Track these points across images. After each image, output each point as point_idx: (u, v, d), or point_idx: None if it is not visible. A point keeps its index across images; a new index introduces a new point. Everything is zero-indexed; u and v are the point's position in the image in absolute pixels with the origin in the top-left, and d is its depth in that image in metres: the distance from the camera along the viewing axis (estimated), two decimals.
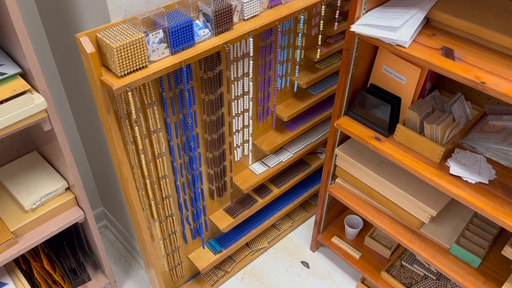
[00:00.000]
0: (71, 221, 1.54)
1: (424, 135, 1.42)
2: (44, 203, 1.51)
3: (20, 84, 1.18)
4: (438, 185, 1.35)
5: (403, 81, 1.47)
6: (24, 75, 1.23)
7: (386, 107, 1.48)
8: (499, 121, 1.50)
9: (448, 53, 1.21)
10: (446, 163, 1.40)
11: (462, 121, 1.48)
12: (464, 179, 1.35)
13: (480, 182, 1.34)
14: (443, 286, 1.80)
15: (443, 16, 1.29)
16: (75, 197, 1.55)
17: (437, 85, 1.64)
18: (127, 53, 1.10)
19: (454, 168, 1.37)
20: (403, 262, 1.89)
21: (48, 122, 1.29)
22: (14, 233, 1.44)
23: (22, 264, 1.69)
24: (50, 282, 1.70)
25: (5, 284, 1.55)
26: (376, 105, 1.50)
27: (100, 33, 1.11)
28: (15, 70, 1.21)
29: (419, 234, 1.62)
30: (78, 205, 1.58)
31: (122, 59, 1.10)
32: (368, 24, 1.29)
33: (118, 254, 2.14)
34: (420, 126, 1.43)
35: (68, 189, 1.56)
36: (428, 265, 1.86)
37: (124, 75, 1.13)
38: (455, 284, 1.78)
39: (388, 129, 1.50)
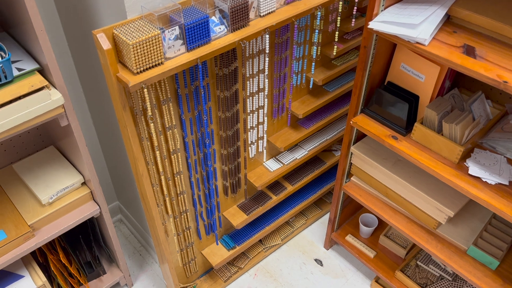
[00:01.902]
0: (87, 216, 1.56)
1: (442, 135, 1.39)
2: (61, 197, 1.52)
3: (37, 80, 1.19)
4: (457, 185, 1.32)
5: (422, 79, 1.45)
6: (42, 70, 1.24)
7: (404, 105, 1.45)
8: None
9: (469, 51, 1.18)
10: (465, 163, 1.37)
11: (482, 121, 1.44)
12: (484, 180, 1.32)
13: (500, 183, 1.31)
14: None
15: (464, 13, 1.26)
16: (91, 191, 1.57)
17: (457, 83, 1.61)
18: (143, 50, 1.10)
19: (473, 169, 1.34)
20: (418, 262, 1.87)
21: (65, 118, 1.30)
22: (32, 226, 1.46)
23: (39, 257, 1.72)
24: (66, 275, 1.72)
25: (22, 276, 1.58)
26: (394, 103, 1.47)
27: (116, 30, 1.11)
28: (33, 66, 1.23)
29: (436, 235, 1.60)
30: (93, 199, 1.59)
31: (138, 55, 1.10)
32: (386, 21, 1.27)
33: (132, 248, 2.15)
34: (438, 125, 1.40)
35: (84, 183, 1.58)
36: (444, 265, 1.83)
37: (140, 71, 1.13)
38: (472, 286, 1.75)
39: (405, 127, 1.47)
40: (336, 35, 1.62)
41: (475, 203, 1.61)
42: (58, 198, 1.51)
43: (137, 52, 1.09)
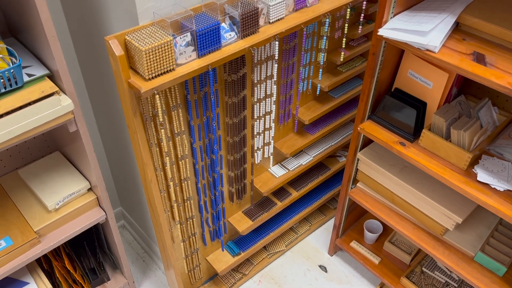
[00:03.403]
0: (93, 222, 1.55)
1: (450, 141, 1.39)
2: (67, 203, 1.51)
3: (48, 85, 1.19)
4: (466, 192, 1.32)
5: (429, 86, 1.45)
6: (51, 76, 1.24)
7: (412, 111, 1.45)
8: None
9: (479, 59, 1.19)
10: (473, 170, 1.37)
11: (489, 127, 1.45)
12: (492, 186, 1.32)
13: (509, 190, 1.31)
14: None
15: (473, 21, 1.27)
16: (97, 197, 1.56)
17: (463, 89, 1.62)
18: (156, 56, 1.10)
19: (482, 175, 1.35)
20: (423, 268, 1.87)
21: (74, 124, 1.29)
22: (38, 232, 1.45)
23: (44, 263, 1.70)
24: (71, 282, 1.71)
25: (27, 283, 1.56)
26: (401, 110, 1.48)
27: (128, 36, 1.11)
28: (43, 71, 1.22)
29: (443, 241, 1.60)
30: (99, 205, 1.58)
31: (150, 62, 1.10)
32: (396, 28, 1.27)
33: (136, 254, 2.14)
34: (446, 132, 1.41)
35: (90, 189, 1.57)
36: (450, 272, 1.83)
37: (152, 78, 1.13)
38: None
39: (413, 134, 1.48)
40: (344, 41, 1.63)
41: (481, 208, 1.61)
42: (65, 204, 1.50)
43: (150, 58, 1.09)
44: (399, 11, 1.34)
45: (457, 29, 1.32)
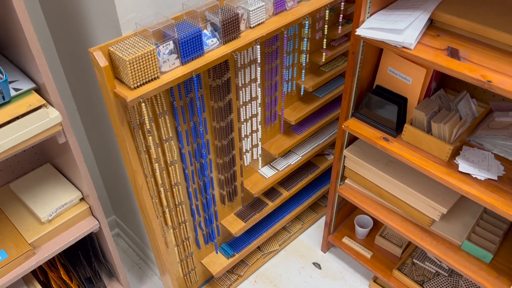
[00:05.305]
0: (87, 231, 1.56)
1: (431, 134, 1.43)
2: (60, 214, 1.53)
3: (35, 99, 1.21)
4: (448, 183, 1.37)
5: (409, 82, 1.49)
6: (38, 90, 1.26)
7: (393, 107, 1.50)
8: (505, 117, 1.52)
9: (453, 53, 1.23)
10: (454, 161, 1.42)
11: (468, 119, 1.49)
12: (474, 176, 1.37)
13: (489, 179, 1.36)
14: (455, 283, 1.81)
15: (446, 17, 1.31)
16: (90, 207, 1.58)
17: (442, 84, 1.66)
18: (140, 65, 1.13)
19: (463, 166, 1.39)
20: (414, 260, 1.91)
21: (63, 135, 1.31)
22: (32, 244, 1.46)
23: (39, 274, 1.72)
24: None
25: None
26: (383, 106, 1.52)
27: (112, 47, 1.14)
28: (30, 85, 1.24)
29: (430, 232, 1.64)
30: (92, 214, 1.60)
31: (134, 71, 1.12)
32: (373, 28, 1.31)
33: (131, 261, 2.16)
34: (427, 125, 1.45)
35: (82, 199, 1.59)
36: (440, 261, 1.87)
37: (137, 86, 1.16)
38: (468, 280, 1.79)
39: (395, 129, 1.52)
40: (324, 42, 1.67)
41: (466, 199, 1.65)
42: (58, 215, 1.52)
43: (134, 68, 1.12)
44: (375, 10, 1.38)
45: (432, 26, 1.36)
